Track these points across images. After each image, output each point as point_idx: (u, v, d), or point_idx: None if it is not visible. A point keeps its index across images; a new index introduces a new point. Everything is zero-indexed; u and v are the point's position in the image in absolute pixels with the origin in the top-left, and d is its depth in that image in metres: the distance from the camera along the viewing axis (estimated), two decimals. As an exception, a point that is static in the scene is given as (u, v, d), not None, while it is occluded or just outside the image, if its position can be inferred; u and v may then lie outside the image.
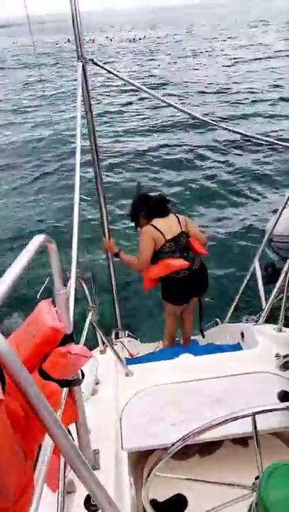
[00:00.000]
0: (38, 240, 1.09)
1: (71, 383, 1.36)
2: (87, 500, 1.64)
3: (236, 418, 1.23)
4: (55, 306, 1.40)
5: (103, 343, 2.66)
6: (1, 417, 0.73)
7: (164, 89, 20.48)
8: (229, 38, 44.14)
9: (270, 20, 61.20)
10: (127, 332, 4.22)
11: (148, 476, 1.29)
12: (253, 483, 1.32)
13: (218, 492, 1.45)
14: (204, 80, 22.43)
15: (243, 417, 1.24)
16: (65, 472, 1.44)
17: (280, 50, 29.71)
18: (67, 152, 12.19)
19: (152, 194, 3.52)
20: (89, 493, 1.65)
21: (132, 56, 36.52)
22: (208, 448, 2.42)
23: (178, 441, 1.26)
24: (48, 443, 1.03)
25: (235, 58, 28.87)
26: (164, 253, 3.30)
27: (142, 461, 2.38)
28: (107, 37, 58.05)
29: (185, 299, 3.59)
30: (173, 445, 1.28)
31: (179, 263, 3.29)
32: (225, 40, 41.84)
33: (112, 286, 3.55)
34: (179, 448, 1.26)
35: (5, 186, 10.77)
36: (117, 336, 3.74)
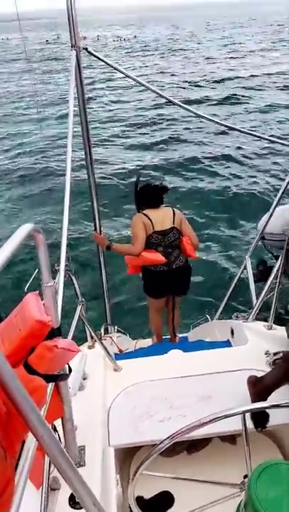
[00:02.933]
0: (25, 229, 1.04)
1: (57, 378, 1.32)
2: (72, 498, 1.61)
3: (226, 416, 1.21)
4: (42, 300, 1.37)
5: (92, 337, 2.63)
6: None
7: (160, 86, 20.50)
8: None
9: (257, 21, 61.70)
10: (116, 327, 4.18)
11: (135, 473, 1.26)
12: (242, 482, 1.30)
13: (206, 490, 1.43)
14: (199, 74, 22.53)
15: (233, 415, 1.21)
16: (49, 469, 1.41)
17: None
18: (59, 140, 12.08)
19: (153, 183, 3.45)
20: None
21: (123, 54, 36.53)
22: (196, 445, 2.40)
23: (166, 438, 1.23)
24: (31, 440, 1.00)
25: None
26: (149, 243, 3.25)
27: (129, 457, 2.36)
28: (98, 36, 57.88)
29: (160, 294, 3.56)
30: (161, 443, 1.25)
31: (153, 257, 3.23)
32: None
33: (103, 280, 3.51)
34: (167, 446, 1.24)
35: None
36: (106, 332, 3.71)
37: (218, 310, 4.14)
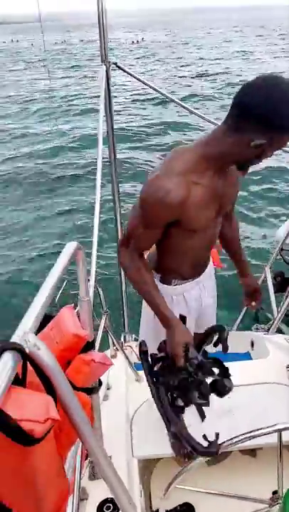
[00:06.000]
0: (70, 247, 1.12)
1: (92, 391, 1.35)
2: (99, 508, 1.64)
3: (261, 435, 1.22)
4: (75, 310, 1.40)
5: (115, 347, 2.66)
6: (51, 437, 0.72)
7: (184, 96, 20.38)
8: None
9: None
10: (133, 335, 4.20)
11: (167, 489, 1.28)
12: (271, 498, 1.30)
13: (229, 503, 1.44)
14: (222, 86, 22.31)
15: (268, 433, 1.23)
16: (80, 478, 1.44)
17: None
18: (82, 157, 12.04)
19: None
20: (107, 498, 1.68)
21: (137, 57, 36.98)
22: (216, 457, 2.41)
23: (198, 456, 1.26)
24: (73, 453, 1.03)
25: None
26: None
27: (149, 466, 2.38)
28: (109, 39, 59.13)
29: None
30: (195, 460, 1.27)
31: None
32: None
33: (122, 288, 3.53)
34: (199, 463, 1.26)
35: (18, 196, 10.53)
36: (124, 340, 3.73)
37: (237, 321, 4.13)
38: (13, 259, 7.45)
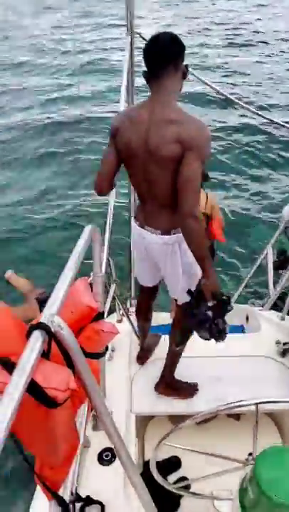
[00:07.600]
0: (88, 229, 1.29)
1: (99, 356, 1.54)
2: (100, 456, 1.90)
3: (241, 406, 1.41)
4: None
5: (121, 313, 2.85)
6: (68, 402, 0.90)
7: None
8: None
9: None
10: None
11: (159, 443, 1.49)
12: (246, 459, 1.50)
13: (210, 460, 1.65)
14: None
15: (247, 405, 1.41)
16: (85, 429, 1.66)
17: None
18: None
19: None
20: (106, 447, 1.92)
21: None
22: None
23: (189, 419, 1.45)
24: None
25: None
26: None
27: (145, 422, 2.63)
28: None
29: None
30: (183, 423, 1.48)
31: None
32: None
33: (131, 255, 3.65)
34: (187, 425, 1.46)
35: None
36: (130, 305, 3.92)
37: (235, 294, 4.29)
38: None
